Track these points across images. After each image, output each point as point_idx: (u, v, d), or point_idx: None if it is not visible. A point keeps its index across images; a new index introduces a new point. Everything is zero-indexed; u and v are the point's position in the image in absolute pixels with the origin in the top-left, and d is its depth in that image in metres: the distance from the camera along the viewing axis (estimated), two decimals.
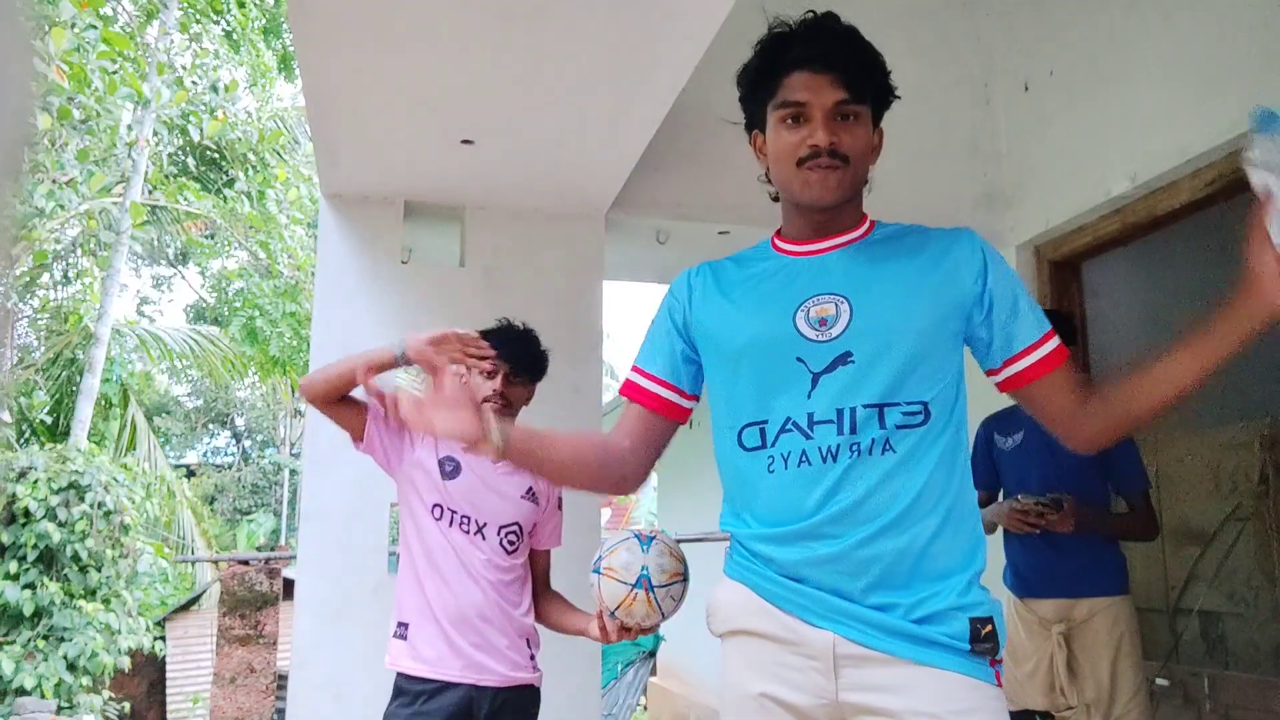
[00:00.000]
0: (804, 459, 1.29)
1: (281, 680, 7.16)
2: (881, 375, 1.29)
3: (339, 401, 2.39)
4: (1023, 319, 1.35)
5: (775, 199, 1.45)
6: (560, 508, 2.53)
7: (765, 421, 1.33)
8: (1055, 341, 1.36)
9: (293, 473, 18.84)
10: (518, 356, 2.39)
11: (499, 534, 2.37)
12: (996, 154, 4.02)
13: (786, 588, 1.30)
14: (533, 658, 2.42)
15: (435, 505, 2.38)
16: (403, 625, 2.37)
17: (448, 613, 2.34)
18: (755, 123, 1.42)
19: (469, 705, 2.32)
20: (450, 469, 2.40)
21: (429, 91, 2.86)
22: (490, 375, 2.37)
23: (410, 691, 2.33)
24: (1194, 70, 3.03)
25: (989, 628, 1.25)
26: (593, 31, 2.50)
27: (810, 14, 1.36)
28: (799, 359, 1.31)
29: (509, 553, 2.39)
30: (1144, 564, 3.27)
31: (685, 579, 2.06)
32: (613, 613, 2.06)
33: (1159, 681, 3.04)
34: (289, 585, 6.76)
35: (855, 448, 1.27)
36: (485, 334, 2.39)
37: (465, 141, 3.17)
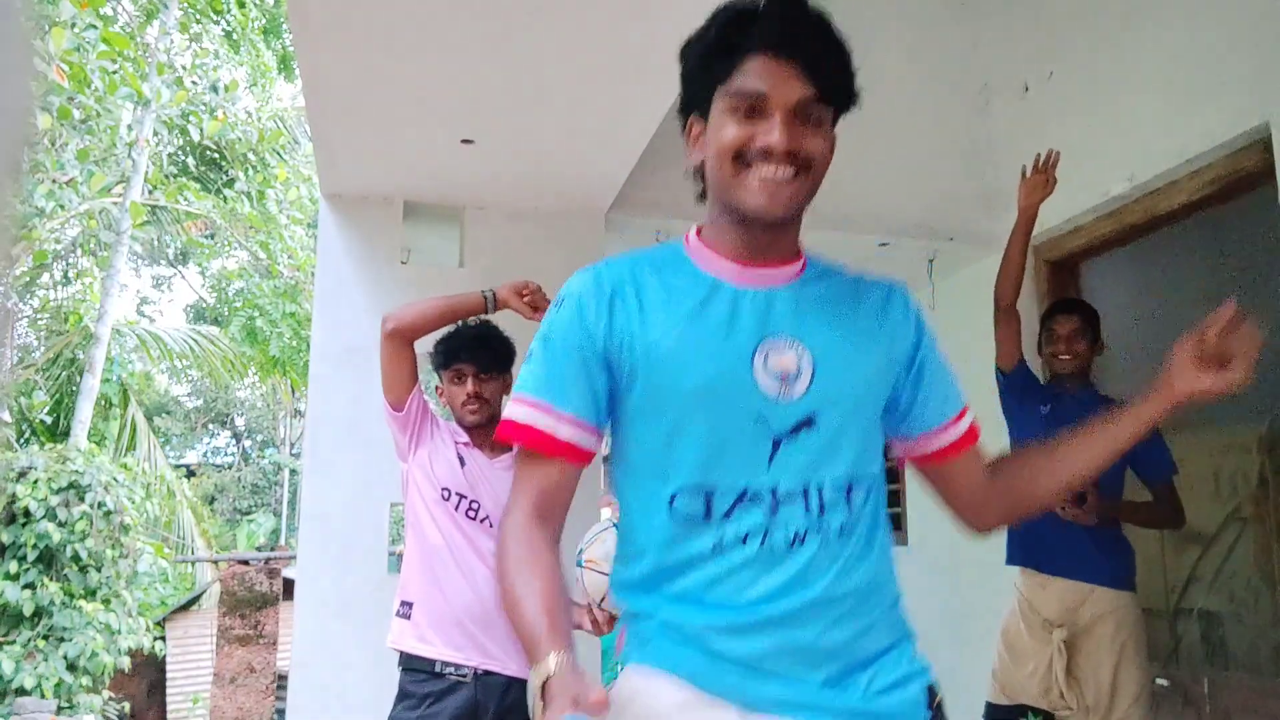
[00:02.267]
0: (765, 540, 1.09)
1: (281, 680, 7.16)
2: (847, 447, 1.13)
3: (409, 348, 2.39)
4: (948, 389, 1.24)
5: (702, 197, 1.22)
6: None
7: (712, 490, 1.10)
8: (972, 415, 1.25)
9: (293, 473, 18.83)
10: (478, 354, 2.43)
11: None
12: (996, 154, 4.02)
13: (734, 675, 1.09)
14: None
15: (445, 489, 2.38)
16: (406, 604, 2.37)
17: (462, 600, 2.33)
18: (695, 104, 1.18)
19: (475, 707, 2.32)
20: (463, 457, 2.44)
21: (429, 91, 2.86)
22: (459, 380, 2.42)
23: (416, 694, 2.32)
24: (1192, 72, 3.03)
25: (939, 698, 1.17)
26: (593, 31, 2.50)
27: None
28: (758, 417, 1.10)
29: None
30: (1144, 565, 3.26)
31: None
32: (599, 604, 2.08)
33: (1159, 682, 3.04)
34: (289, 585, 6.76)
35: (823, 530, 1.10)
36: (442, 341, 2.46)
37: (465, 141, 3.17)
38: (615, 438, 1.19)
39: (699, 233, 1.22)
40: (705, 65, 1.15)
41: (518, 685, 2.35)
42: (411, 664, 2.35)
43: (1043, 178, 2.91)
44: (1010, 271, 2.94)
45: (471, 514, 2.38)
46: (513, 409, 1.15)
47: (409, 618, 2.36)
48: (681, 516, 1.11)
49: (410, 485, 2.45)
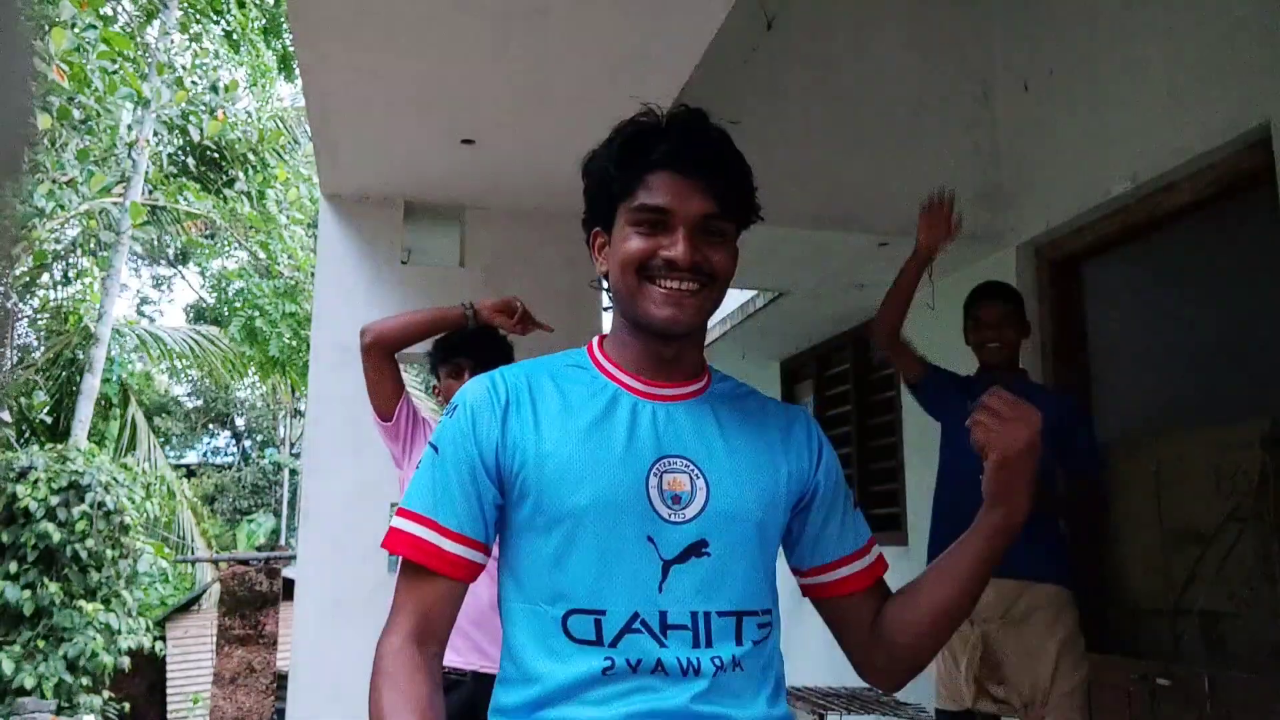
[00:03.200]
0: (659, 668, 1.04)
1: (281, 680, 7.16)
2: (737, 575, 1.09)
3: (390, 360, 2.42)
4: (846, 524, 1.20)
5: (608, 308, 1.21)
6: None
7: (602, 612, 1.05)
8: (876, 552, 1.21)
9: (293, 473, 18.84)
10: (478, 350, 2.47)
11: None
12: (996, 153, 4.02)
13: None
14: None
15: None
16: None
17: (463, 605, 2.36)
18: (599, 220, 1.20)
19: (473, 708, 2.33)
20: None
21: (429, 91, 2.86)
22: (457, 375, 2.46)
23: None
24: (1194, 70, 3.03)
25: None
26: (592, 31, 2.50)
27: (683, 108, 1.16)
28: (650, 538, 1.07)
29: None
30: (1144, 564, 3.27)
31: None
32: None
33: (1160, 682, 3.04)
34: (289, 585, 6.76)
35: (717, 662, 1.06)
36: (441, 341, 2.52)
37: (465, 141, 3.17)
38: (504, 552, 1.15)
39: (601, 343, 1.22)
40: (609, 180, 1.15)
41: None
42: None
43: (943, 215, 2.74)
44: (897, 306, 2.83)
45: None
46: (398, 521, 1.11)
47: None
48: (573, 641, 1.06)
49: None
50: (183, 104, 10.17)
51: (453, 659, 2.34)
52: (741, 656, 1.08)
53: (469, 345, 2.48)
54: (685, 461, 1.11)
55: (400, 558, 1.11)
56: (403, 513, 1.11)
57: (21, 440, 10.09)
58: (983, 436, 1.12)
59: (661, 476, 1.09)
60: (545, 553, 1.08)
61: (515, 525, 1.12)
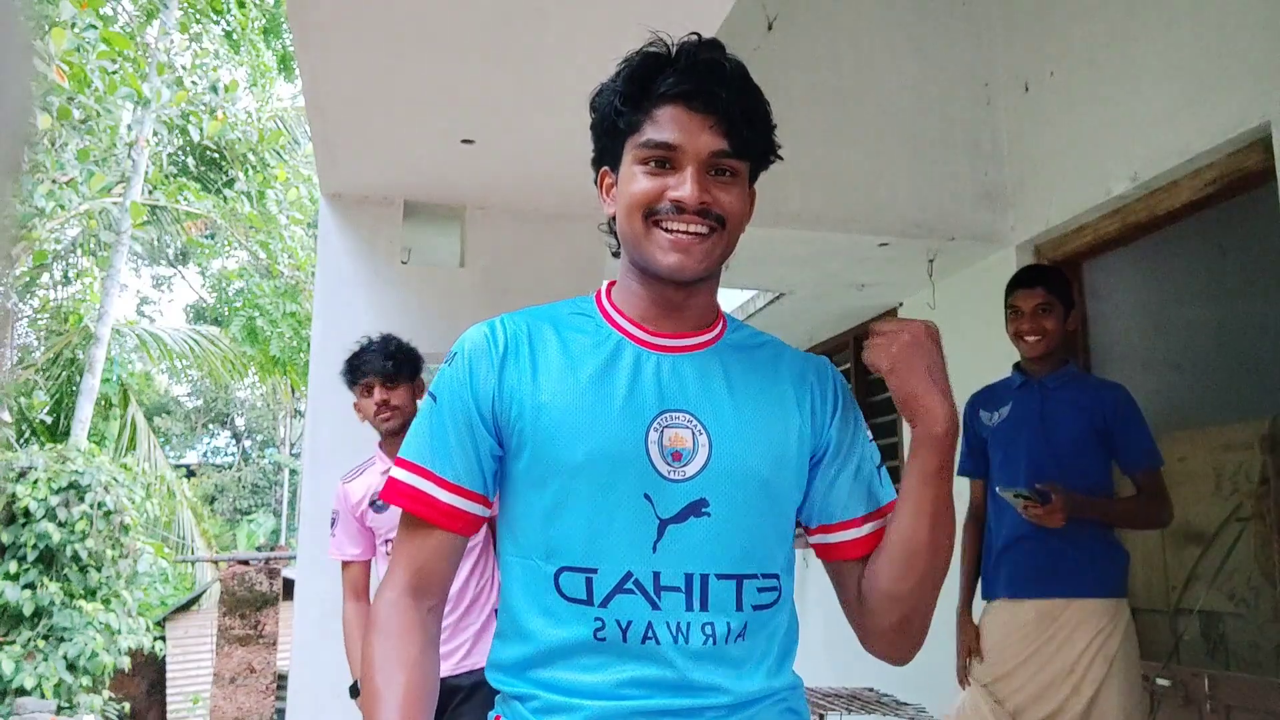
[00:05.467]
0: (649, 634, 1.00)
1: (281, 680, 7.16)
2: (738, 536, 1.04)
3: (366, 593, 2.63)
4: (856, 483, 1.13)
5: (615, 254, 1.15)
6: None
7: (594, 571, 1.02)
8: (882, 522, 1.14)
9: (293, 473, 18.84)
10: (381, 365, 2.57)
11: None
12: (997, 153, 4.02)
13: None
14: None
15: (385, 541, 2.59)
16: None
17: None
18: (606, 158, 1.13)
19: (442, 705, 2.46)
20: (381, 503, 2.57)
21: (429, 91, 2.86)
22: (368, 393, 2.58)
23: None
24: (1195, 70, 3.03)
25: None
26: (592, 31, 2.50)
27: (694, 37, 1.08)
28: (646, 496, 1.02)
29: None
30: (1145, 564, 3.27)
31: None
32: None
33: (1160, 682, 3.04)
34: (289, 585, 6.76)
35: (709, 630, 1.01)
36: (348, 360, 2.64)
37: (465, 141, 3.17)
38: (502, 503, 1.11)
39: (609, 290, 1.16)
40: (615, 115, 1.09)
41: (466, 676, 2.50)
42: None
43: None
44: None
45: None
46: (396, 471, 1.09)
47: None
48: (564, 599, 1.03)
49: (378, 566, 2.69)
50: (183, 104, 10.17)
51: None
52: (742, 623, 1.04)
53: (372, 362, 2.59)
54: (688, 416, 1.05)
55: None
56: (400, 462, 1.09)
57: (21, 440, 10.09)
58: (870, 355, 1.08)
59: (662, 432, 1.04)
60: (540, 507, 1.05)
61: (513, 476, 1.08)
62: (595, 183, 1.16)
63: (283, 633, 7.44)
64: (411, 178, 3.54)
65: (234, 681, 7.20)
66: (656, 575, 1.02)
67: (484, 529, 2.60)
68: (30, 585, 7.35)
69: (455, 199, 3.74)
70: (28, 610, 7.25)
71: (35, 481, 7.43)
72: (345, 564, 2.66)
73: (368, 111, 3.00)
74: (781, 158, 1.12)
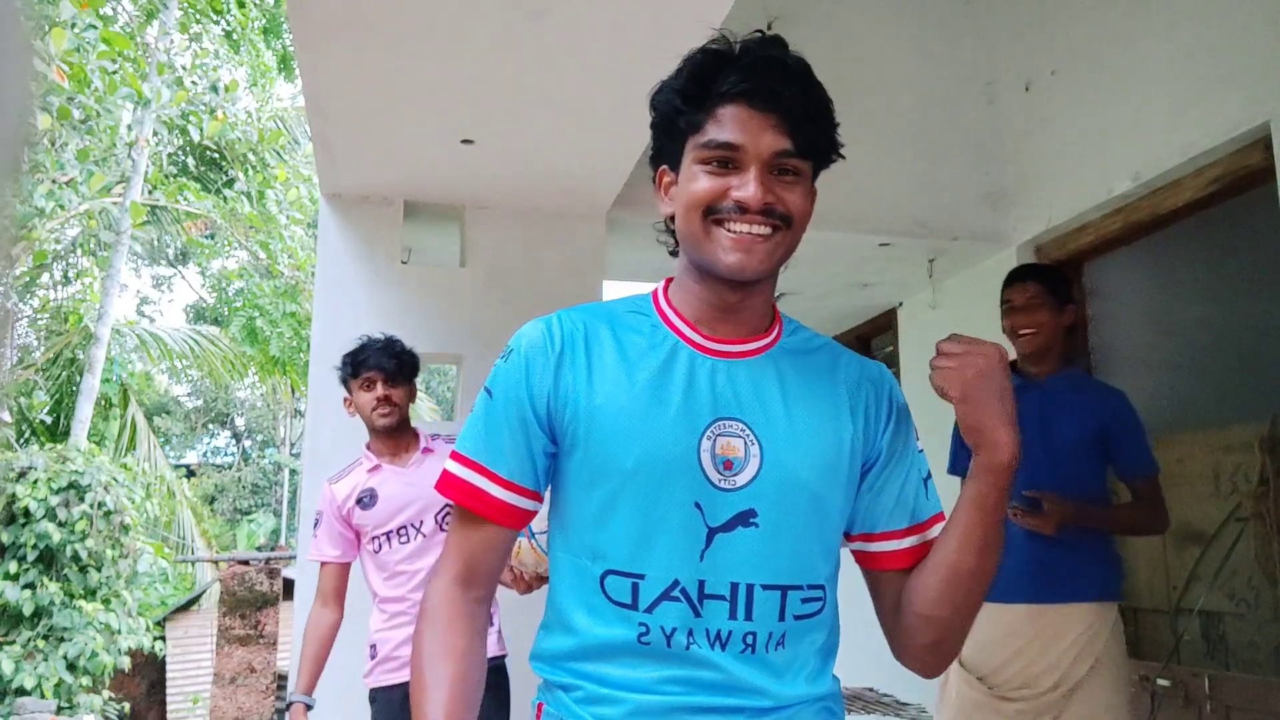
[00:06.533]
0: (691, 640, 1.02)
1: (281, 680, 7.16)
2: (785, 547, 1.04)
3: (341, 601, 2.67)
4: (902, 496, 1.12)
5: (673, 253, 1.14)
6: None
7: (641, 577, 1.03)
8: (931, 533, 1.13)
9: (293, 473, 18.84)
10: (386, 363, 2.59)
11: (436, 521, 2.58)
12: (999, 152, 4.02)
13: None
14: (494, 630, 2.59)
15: (373, 539, 2.59)
16: (372, 646, 2.62)
17: (413, 614, 2.53)
18: (666, 157, 1.11)
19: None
20: (369, 500, 2.59)
21: (429, 91, 2.86)
22: (368, 387, 2.60)
23: (381, 699, 2.57)
24: (1197, 69, 3.03)
25: None
26: (592, 31, 2.50)
27: (758, 34, 1.06)
28: (697, 504, 1.02)
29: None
30: (1145, 564, 3.26)
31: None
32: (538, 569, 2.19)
33: (1160, 682, 3.04)
34: (289, 585, 6.76)
35: (749, 640, 1.02)
36: (351, 353, 2.65)
37: (465, 141, 3.17)
38: (553, 501, 1.12)
39: (667, 289, 1.14)
40: (676, 114, 1.06)
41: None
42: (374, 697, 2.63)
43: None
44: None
45: (404, 538, 2.58)
46: (450, 464, 1.10)
47: (374, 657, 2.62)
48: (610, 600, 1.04)
49: (362, 567, 2.69)
50: (183, 104, 10.17)
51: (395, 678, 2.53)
52: (782, 632, 1.04)
53: (377, 357, 2.60)
54: (741, 425, 1.05)
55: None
56: (455, 455, 1.10)
57: (21, 440, 10.09)
58: (940, 380, 1.06)
59: (715, 440, 1.04)
60: (589, 508, 1.06)
61: (565, 474, 1.09)
62: (653, 180, 1.14)
63: (283, 633, 7.44)
64: (411, 178, 3.54)
65: (234, 681, 7.20)
66: (702, 584, 1.02)
67: None
68: (30, 585, 7.34)
69: (455, 199, 3.73)
70: (28, 610, 7.25)
71: (35, 481, 7.43)
72: (322, 565, 2.66)
73: (368, 111, 3.00)
74: (844, 156, 1.10)
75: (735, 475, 1.03)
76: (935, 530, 1.12)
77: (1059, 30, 3.70)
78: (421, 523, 2.57)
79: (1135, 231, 3.41)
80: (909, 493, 1.12)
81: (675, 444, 1.03)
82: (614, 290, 5.46)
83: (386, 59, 2.67)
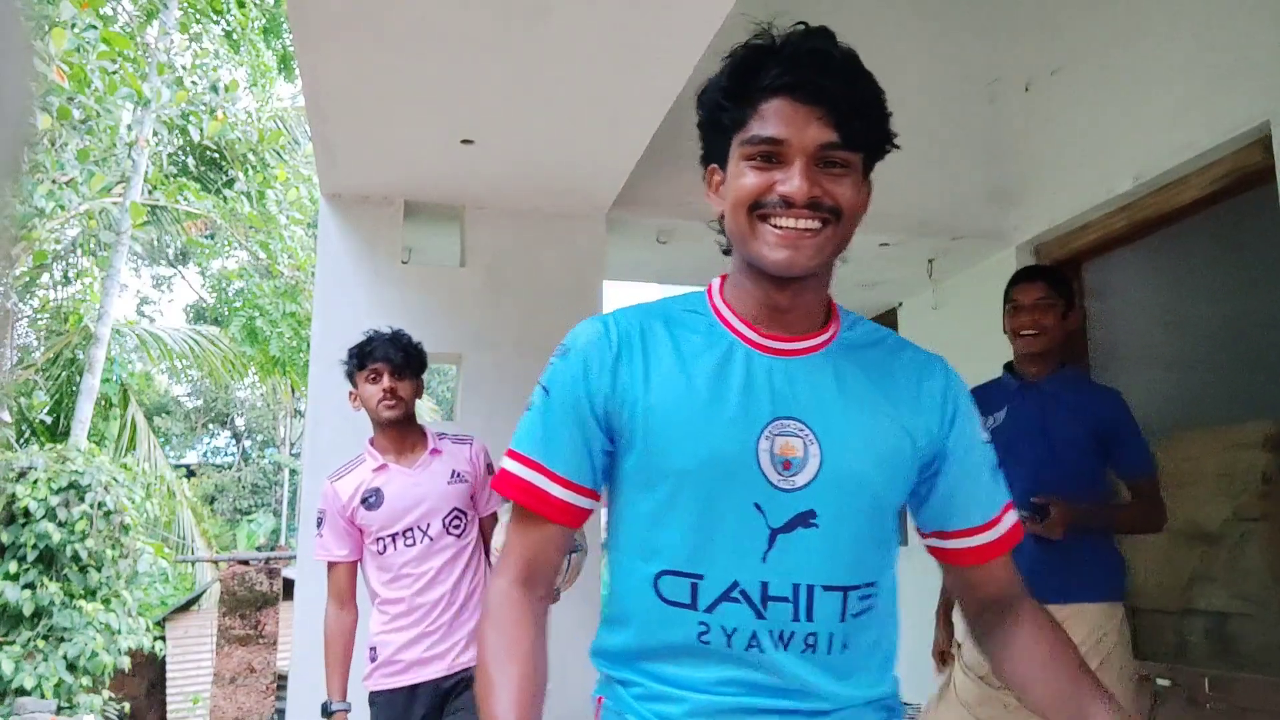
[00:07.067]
0: (754, 642, 1.02)
1: (281, 680, 7.15)
2: (845, 547, 1.04)
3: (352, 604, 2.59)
4: (973, 493, 1.12)
5: (726, 252, 1.13)
6: (491, 472, 2.66)
7: (700, 577, 1.03)
8: (1003, 527, 1.12)
9: (293, 473, 18.83)
10: (393, 355, 2.55)
11: (443, 524, 2.53)
12: (1000, 152, 4.01)
13: None
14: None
15: (377, 540, 2.53)
16: (372, 649, 2.57)
17: (414, 617, 2.50)
18: (715, 155, 1.09)
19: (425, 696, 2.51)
20: (374, 500, 2.54)
21: (429, 91, 2.85)
22: (375, 379, 2.55)
23: (381, 702, 2.53)
24: (1200, 67, 3.02)
25: None
26: (593, 31, 2.50)
27: (801, 26, 1.04)
28: (756, 505, 1.02)
29: (457, 536, 2.55)
30: (1151, 564, 3.26)
31: (576, 550, 2.16)
32: None
33: (1160, 682, 3.04)
34: (289, 585, 6.76)
35: (811, 641, 1.02)
36: (358, 345, 2.61)
37: (465, 141, 3.16)
38: (611, 500, 1.13)
39: (722, 286, 1.13)
40: (721, 111, 1.05)
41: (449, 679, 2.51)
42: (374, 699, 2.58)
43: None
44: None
45: (410, 541, 2.52)
46: (508, 462, 1.10)
47: (374, 659, 2.57)
48: (665, 601, 1.04)
49: (363, 568, 2.63)
50: (183, 104, 10.16)
51: (418, 676, 2.49)
52: (845, 633, 1.04)
53: (385, 350, 2.56)
54: (799, 425, 1.03)
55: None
56: (512, 453, 1.10)
57: (21, 440, 10.08)
58: None
59: (774, 440, 1.03)
60: (645, 508, 1.06)
61: (622, 474, 1.08)
62: (704, 180, 1.12)
63: (283, 633, 7.44)
64: (411, 178, 3.53)
65: (234, 681, 7.20)
66: (764, 585, 1.02)
67: (476, 531, 2.60)
68: (30, 585, 7.34)
69: (455, 199, 3.73)
70: (28, 610, 7.24)
71: (35, 481, 7.42)
72: (331, 565, 2.59)
73: (368, 111, 2.99)
74: (898, 146, 1.08)
75: (794, 475, 1.02)
76: (1007, 521, 1.13)
77: (1062, 28, 3.70)
78: (428, 525, 2.51)
79: (1136, 231, 3.41)
80: (979, 488, 1.12)
81: (733, 444, 1.02)
82: (614, 290, 5.45)
83: (386, 59, 2.67)
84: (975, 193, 3.97)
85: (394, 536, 2.50)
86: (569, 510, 1.08)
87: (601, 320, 1.10)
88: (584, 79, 2.76)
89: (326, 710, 2.48)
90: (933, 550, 1.16)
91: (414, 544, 2.49)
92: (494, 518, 2.60)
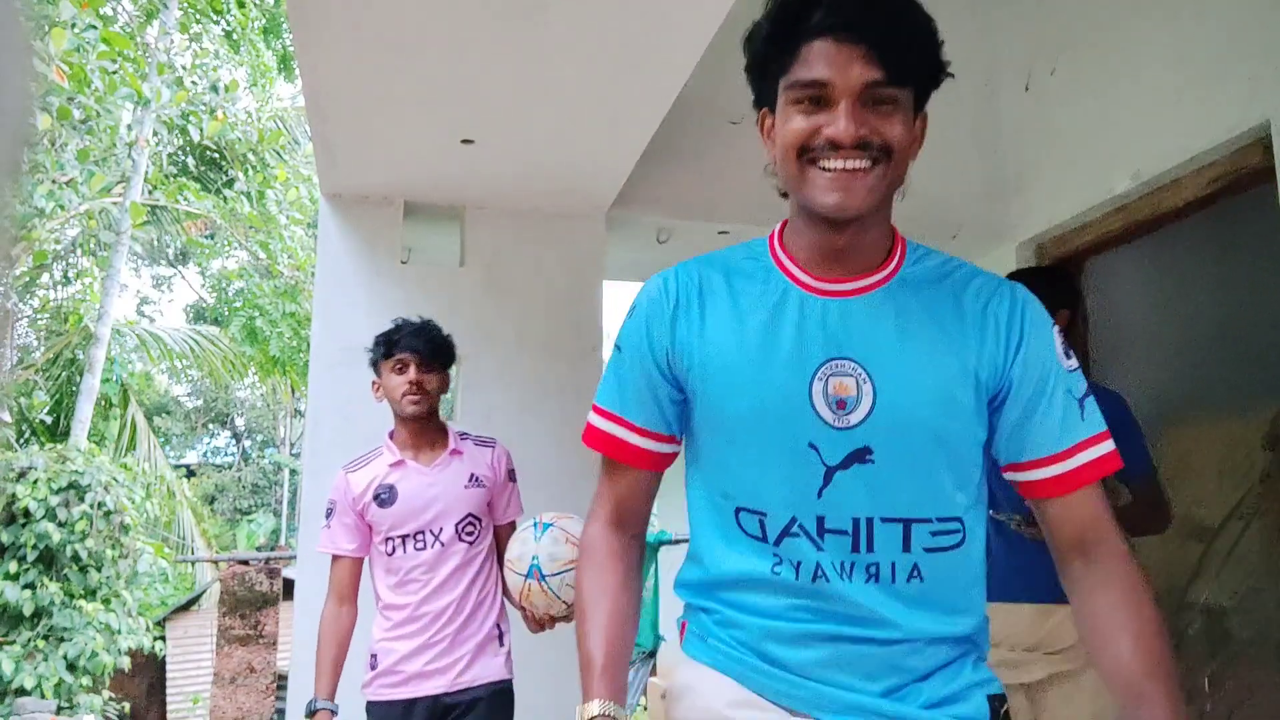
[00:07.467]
0: (819, 573, 1.05)
1: (281, 680, 7.15)
2: (905, 482, 1.04)
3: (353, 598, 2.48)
4: (1045, 422, 1.08)
5: (784, 195, 1.12)
6: (512, 479, 2.57)
7: (764, 514, 1.07)
8: (1084, 457, 1.08)
9: (293, 473, 18.83)
10: (421, 346, 2.44)
11: (455, 529, 2.40)
12: (1000, 150, 4.01)
13: (788, 683, 1.08)
14: (503, 651, 2.46)
15: (386, 539, 2.42)
16: (372, 656, 2.46)
17: (418, 625, 2.40)
18: (764, 99, 1.09)
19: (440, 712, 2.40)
20: (387, 496, 2.43)
21: (429, 91, 2.85)
22: (401, 369, 2.43)
23: (379, 714, 2.43)
24: (1198, 67, 3.02)
25: (1006, 707, 1.10)
26: (592, 30, 2.50)
27: None
28: (812, 445, 1.05)
29: (470, 543, 2.43)
30: (1149, 559, 3.26)
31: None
32: (520, 600, 2.17)
33: None
34: (289, 585, 6.76)
35: (873, 570, 1.05)
36: (385, 333, 2.49)
37: (465, 141, 3.16)
38: (688, 443, 1.19)
39: (782, 231, 1.14)
40: (766, 55, 1.06)
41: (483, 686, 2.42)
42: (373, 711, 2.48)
43: None
44: None
45: (420, 544, 2.40)
46: (592, 417, 1.19)
47: (375, 667, 2.47)
48: (745, 533, 1.10)
49: (371, 567, 2.52)
50: (183, 104, 10.16)
51: (420, 690, 2.39)
52: (911, 564, 1.05)
53: (413, 340, 2.46)
54: (853, 364, 1.05)
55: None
56: (596, 409, 1.19)
57: (21, 440, 10.08)
58: None
59: (827, 380, 1.05)
60: (714, 451, 1.12)
61: (692, 419, 1.15)
62: (757, 124, 1.13)
63: (283, 633, 7.44)
64: (411, 178, 3.54)
65: (234, 681, 7.20)
66: (821, 520, 1.05)
67: (490, 539, 2.48)
68: (30, 585, 7.33)
69: (455, 199, 3.73)
70: (28, 610, 7.24)
71: (35, 481, 7.42)
72: (334, 559, 2.46)
73: (368, 111, 2.99)
74: (952, 75, 1.09)
75: (849, 414, 1.05)
76: (1086, 455, 1.09)
77: (1061, 26, 3.70)
78: (440, 529, 2.39)
79: (1136, 230, 3.41)
80: (1053, 417, 1.08)
81: (786, 389, 1.06)
82: (613, 291, 5.45)
83: (386, 59, 2.67)
84: (974, 190, 3.97)
85: (404, 538, 2.38)
86: (649, 456, 1.17)
87: (663, 275, 1.15)
88: (584, 79, 2.76)
89: (310, 709, 2.37)
90: (1015, 485, 1.13)
91: (425, 548, 2.37)
92: (511, 526, 2.48)
